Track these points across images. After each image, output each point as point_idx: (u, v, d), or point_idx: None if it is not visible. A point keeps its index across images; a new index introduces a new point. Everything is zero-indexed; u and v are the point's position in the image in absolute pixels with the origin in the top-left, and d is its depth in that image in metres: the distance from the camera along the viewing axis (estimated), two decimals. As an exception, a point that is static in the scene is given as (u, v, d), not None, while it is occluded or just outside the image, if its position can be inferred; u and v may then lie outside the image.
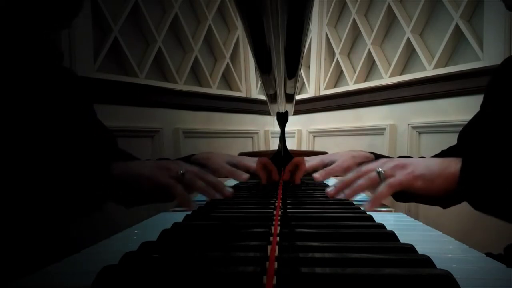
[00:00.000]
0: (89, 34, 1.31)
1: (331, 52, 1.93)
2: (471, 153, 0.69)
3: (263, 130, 2.05)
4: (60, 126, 0.63)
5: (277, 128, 0.82)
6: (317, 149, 1.92)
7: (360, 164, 0.69)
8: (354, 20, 1.76)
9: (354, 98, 1.71)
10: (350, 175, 0.64)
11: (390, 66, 1.59)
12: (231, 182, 0.99)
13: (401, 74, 1.58)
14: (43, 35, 0.68)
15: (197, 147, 1.67)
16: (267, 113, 0.88)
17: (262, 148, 2.02)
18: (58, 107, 0.65)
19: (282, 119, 0.79)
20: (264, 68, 0.46)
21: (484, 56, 1.24)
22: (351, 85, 1.78)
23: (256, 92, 2.04)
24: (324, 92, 1.92)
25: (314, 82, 1.96)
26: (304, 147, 1.99)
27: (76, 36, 1.25)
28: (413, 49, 1.51)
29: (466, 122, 0.78)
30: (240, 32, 1.94)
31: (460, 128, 0.79)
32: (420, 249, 0.34)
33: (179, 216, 0.51)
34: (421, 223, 0.50)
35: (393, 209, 0.62)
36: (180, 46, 1.74)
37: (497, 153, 0.60)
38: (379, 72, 1.65)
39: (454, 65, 1.37)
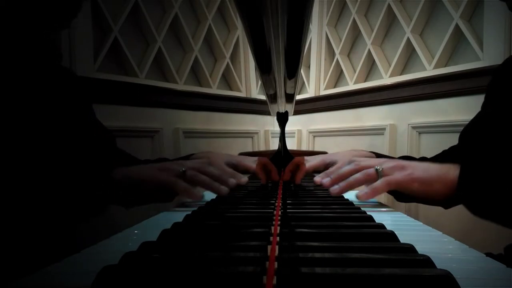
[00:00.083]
0: (89, 34, 1.31)
1: (331, 52, 1.93)
2: (469, 158, 0.69)
3: (263, 130, 2.05)
4: (59, 126, 0.63)
5: (277, 128, 0.82)
6: (317, 149, 1.92)
7: None
8: (354, 20, 1.76)
9: (354, 98, 1.71)
10: (347, 168, 0.64)
11: (390, 66, 1.59)
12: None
13: (401, 74, 1.58)
14: (42, 35, 0.68)
15: (197, 147, 1.67)
16: (267, 113, 0.88)
17: (262, 148, 2.02)
18: (56, 107, 0.64)
19: (282, 119, 0.80)
20: (264, 68, 0.46)
21: (484, 56, 1.24)
22: (351, 85, 1.78)
23: (256, 92, 2.04)
24: (324, 92, 1.92)
25: (314, 82, 1.96)
26: (304, 147, 1.99)
27: (76, 36, 1.25)
28: (413, 49, 1.51)
29: (466, 122, 0.78)
30: (240, 32, 1.94)
31: (460, 128, 0.79)
32: (420, 249, 0.34)
33: (179, 216, 0.51)
34: (421, 223, 0.50)
35: (393, 209, 0.62)
36: (180, 46, 1.74)
37: (497, 156, 0.60)
38: (379, 72, 1.65)
39: (454, 65, 1.37)
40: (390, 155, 0.90)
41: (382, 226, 0.44)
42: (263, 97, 1.92)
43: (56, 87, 0.68)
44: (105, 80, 1.35)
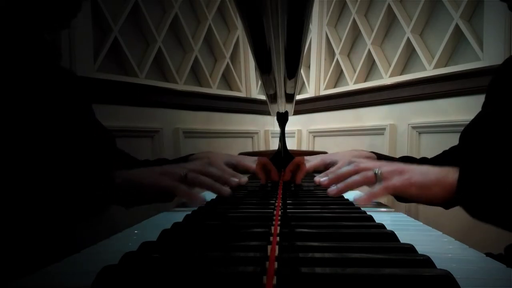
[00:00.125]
0: (89, 34, 1.31)
1: (331, 52, 1.93)
2: (468, 161, 0.69)
3: (263, 130, 2.05)
4: (58, 127, 0.63)
5: (277, 128, 0.82)
6: (317, 149, 1.92)
7: None
8: (354, 20, 1.76)
9: (354, 98, 1.71)
10: (346, 168, 0.64)
11: (390, 66, 1.59)
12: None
13: (401, 74, 1.58)
14: (41, 35, 0.68)
15: (197, 147, 1.67)
16: (267, 113, 0.88)
17: (262, 148, 2.02)
18: (56, 107, 0.64)
19: (282, 119, 0.79)
20: (264, 68, 0.46)
21: (484, 56, 1.24)
22: (351, 85, 1.78)
23: (256, 92, 2.04)
24: (324, 92, 1.92)
25: (314, 82, 1.96)
26: (304, 147, 1.99)
27: (76, 36, 1.25)
28: (413, 49, 1.51)
29: (466, 122, 0.78)
30: (240, 32, 1.94)
31: (460, 128, 0.79)
32: (420, 249, 0.34)
33: (179, 216, 0.51)
34: (421, 223, 0.50)
35: (393, 209, 0.62)
36: (180, 46, 1.74)
37: (496, 158, 0.60)
38: (379, 72, 1.65)
39: (454, 65, 1.37)
40: (390, 156, 0.90)
41: (382, 226, 0.44)
42: (263, 97, 1.92)
43: (55, 87, 0.67)
44: (105, 80, 1.35)
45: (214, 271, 0.29)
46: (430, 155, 0.87)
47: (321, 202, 0.64)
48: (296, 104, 0.75)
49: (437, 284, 0.27)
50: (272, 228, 0.42)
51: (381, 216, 0.53)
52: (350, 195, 0.68)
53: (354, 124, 1.73)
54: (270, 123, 2.05)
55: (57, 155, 0.59)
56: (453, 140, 0.81)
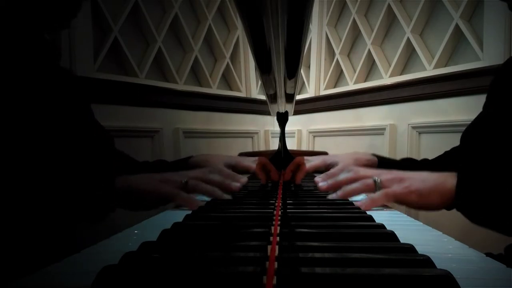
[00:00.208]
0: (89, 34, 1.31)
1: (331, 52, 1.93)
2: (467, 165, 0.69)
3: (263, 130, 2.05)
4: (56, 127, 0.63)
5: (277, 128, 0.82)
6: (317, 149, 1.92)
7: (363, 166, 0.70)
8: (354, 20, 1.76)
9: (354, 98, 1.71)
10: (345, 175, 0.65)
11: (390, 66, 1.59)
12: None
13: (401, 74, 1.58)
14: (41, 35, 0.68)
15: (197, 147, 1.67)
16: (267, 113, 0.88)
17: (262, 148, 2.02)
18: (54, 107, 0.64)
19: (282, 119, 0.79)
20: (264, 68, 0.46)
21: (484, 56, 1.24)
22: (351, 85, 1.78)
23: (256, 92, 2.04)
24: (324, 92, 1.92)
25: (314, 82, 1.96)
26: (304, 147, 1.99)
27: (76, 36, 1.25)
28: (413, 49, 1.51)
29: (466, 122, 0.78)
30: (240, 32, 1.94)
31: (460, 128, 0.79)
32: (420, 249, 0.34)
33: (179, 216, 0.51)
34: (421, 223, 0.50)
35: (393, 209, 0.62)
36: (180, 46, 1.74)
37: (495, 162, 0.60)
38: (379, 72, 1.65)
39: (454, 65, 1.37)
40: (391, 158, 0.90)
41: (382, 226, 0.44)
42: (263, 97, 1.92)
43: (53, 88, 0.67)
44: (105, 80, 1.35)
45: (214, 271, 0.29)
46: (430, 155, 0.87)
47: (321, 202, 0.64)
48: (296, 104, 0.75)
49: (437, 284, 0.27)
50: (272, 228, 0.42)
51: (381, 216, 0.53)
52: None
53: (354, 124, 1.73)
54: (270, 123, 2.05)
55: (56, 157, 0.59)
56: (453, 140, 0.81)
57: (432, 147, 1.38)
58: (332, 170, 0.73)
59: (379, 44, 1.69)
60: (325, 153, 1.81)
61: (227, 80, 1.97)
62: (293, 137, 2.03)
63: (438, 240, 0.42)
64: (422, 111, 1.43)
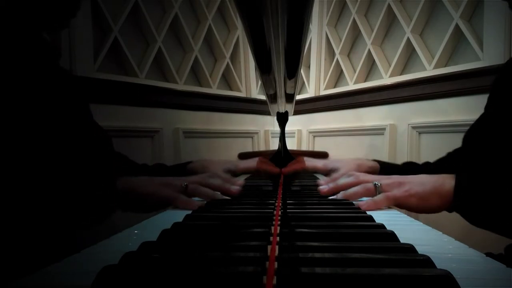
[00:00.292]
0: (89, 34, 1.31)
1: (331, 52, 1.93)
2: (465, 167, 0.70)
3: (263, 130, 2.05)
4: (55, 127, 0.63)
5: (277, 128, 0.82)
6: (317, 149, 1.92)
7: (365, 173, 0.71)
8: (354, 20, 1.76)
9: (354, 98, 1.71)
10: (346, 180, 0.66)
11: (390, 66, 1.59)
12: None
13: (401, 74, 1.58)
14: (40, 34, 0.68)
15: (197, 147, 1.67)
16: (267, 113, 0.88)
17: (262, 148, 2.02)
18: (52, 107, 0.64)
19: (282, 119, 0.80)
20: (264, 68, 0.46)
21: (484, 56, 1.24)
22: (351, 85, 1.78)
23: (256, 92, 2.04)
24: (324, 92, 1.92)
25: (314, 82, 1.96)
26: (304, 147, 1.99)
27: (76, 36, 1.25)
28: (413, 49, 1.51)
29: (466, 122, 0.78)
30: (240, 32, 1.94)
31: (460, 128, 0.79)
32: (420, 249, 0.34)
33: (179, 216, 0.51)
34: (421, 223, 0.50)
35: (393, 209, 0.62)
36: (180, 46, 1.74)
37: (493, 164, 0.61)
38: (379, 72, 1.65)
39: (454, 65, 1.37)
40: (393, 163, 0.90)
41: (382, 226, 0.44)
42: (263, 97, 1.92)
43: (52, 88, 0.67)
44: (105, 80, 1.35)
45: (214, 271, 0.29)
46: (430, 155, 0.87)
47: (321, 202, 0.64)
48: (296, 104, 0.75)
49: (437, 284, 0.27)
50: (272, 228, 0.42)
51: (381, 216, 0.53)
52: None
53: (354, 124, 1.73)
54: (270, 123, 2.05)
55: (55, 157, 0.59)
56: (453, 140, 0.81)
57: (432, 147, 1.38)
58: (334, 175, 0.74)
59: (379, 44, 1.69)
60: (325, 153, 1.82)
61: (227, 80, 1.97)
62: (293, 137, 2.03)
63: (438, 240, 0.42)
64: (422, 111, 1.43)
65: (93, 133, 0.78)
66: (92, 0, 1.32)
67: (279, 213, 0.50)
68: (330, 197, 0.66)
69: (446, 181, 0.57)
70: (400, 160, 1.46)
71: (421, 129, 1.43)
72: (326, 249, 0.35)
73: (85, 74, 1.27)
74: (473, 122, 0.77)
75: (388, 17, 1.61)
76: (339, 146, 1.80)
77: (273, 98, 0.65)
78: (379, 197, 0.60)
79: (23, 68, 0.62)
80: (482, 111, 0.77)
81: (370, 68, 1.75)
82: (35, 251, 0.50)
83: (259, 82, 1.98)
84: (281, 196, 0.64)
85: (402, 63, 1.58)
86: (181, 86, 1.67)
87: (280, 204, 0.57)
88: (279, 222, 0.45)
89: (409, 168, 0.85)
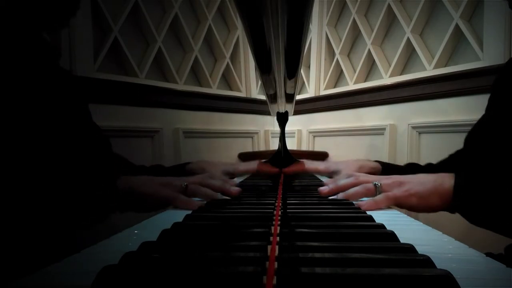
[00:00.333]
0: (89, 34, 1.31)
1: (331, 52, 1.93)
2: (463, 167, 0.70)
3: (263, 130, 2.05)
4: (54, 127, 0.63)
5: (277, 128, 0.82)
6: (317, 149, 1.92)
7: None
8: (354, 20, 1.76)
9: (354, 98, 1.71)
10: (346, 181, 0.66)
11: (390, 66, 1.59)
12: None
13: (401, 74, 1.58)
14: (39, 34, 0.68)
15: (197, 147, 1.67)
16: (267, 113, 0.88)
17: (262, 148, 2.02)
18: (51, 107, 0.64)
19: (282, 119, 0.80)
20: (264, 68, 0.46)
21: (484, 56, 1.24)
22: (351, 85, 1.78)
23: (256, 92, 2.04)
24: (324, 92, 1.92)
25: (314, 82, 1.96)
26: (304, 147, 1.99)
27: (76, 36, 1.25)
28: (413, 49, 1.51)
29: (466, 122, 0.78)
30: (240, 32, 1.94)
31: (461, 128, 0.79)
32: (420, 249, 0.34)
33: (179, 216, 0.51)
34: (421, 223, 0.50)
35: (393, 209, 0.62)
36: (180, 46, 1.74)
37: (494, 163, 0.61)
38: (379, 72, 1.65)
39: (454, 65, 1.37)
40: (395, 164, 0.90)
41: (382, 226, 0.44)
42: (263, 97, 1.92)
43: (51, 88, 0.67)
44: (105, 80, 1.35)
45: (214, 271, 0.29)
46: (430, 155, 0.87)
47: (321, 202, 0.64)
48: (296, 104, 0.75)
49: (437, 284, 0.27)
50: (272, 228, 0.42)
51: (381, 216, 0.53)
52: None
53: (354, 124, 1.73)
54: (270, 123, 2.05)
55: (55, 157, 0.59)
56: (453, 140, 0.81)
57: (432, 147, 1.38)
58: (336, 177, 0.74)
59: (379, 44, 1.69)
60: (325, 153, 1.82)
61: (227, 80, 1.97)
62: (293, 137, 2.03)
63: (438, 240, 0.42)
64: (422, 111, 1.43)
65: (92, 134, 0.78)
66: (92, 0, 1.32)
67: (279, 213, 0.50)
68: (330, 197, 0.66)
69: (445, 180, 0.57)
70: (400, 160, 1.46)
71: (421, 129, 1.43)
72: (326, 249, 0.35)
73: (85, 74, 1.27)
74: (473, 122, 0.77)
75: (388, 17, 1.61)
76: (339, 146, 1.80)
77: (273, 98, 0.65)
78: (379, 197, 0.60)
79: (23, 68, 0.62)
80: (482, 111, 0.77)
81: (370, 68, 1.75)
82: (35, 251, 0.50)
83: (259, 82, 1.98)
84: (281, 196, 0.64)
85: (402, 63, 1.58)
86: (181, 86, 1.67)
87: (280, 204, 0.57)
88: (279, 222, 0.45)
89: (412, 169, 0.85)
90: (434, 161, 0.87)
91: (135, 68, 1.49)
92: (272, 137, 2.06)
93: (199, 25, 1.80)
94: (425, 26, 1.50)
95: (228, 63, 1.91)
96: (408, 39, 1.50)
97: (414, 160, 1.25)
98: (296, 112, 1.92)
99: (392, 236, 0.39)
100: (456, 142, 0.81)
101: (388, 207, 0.62)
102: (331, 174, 0.84)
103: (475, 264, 0.34)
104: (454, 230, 0.56)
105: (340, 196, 0.65)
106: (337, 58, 1.86)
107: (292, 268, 0.29)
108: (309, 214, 0.53)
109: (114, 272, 0.28)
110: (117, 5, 1.43)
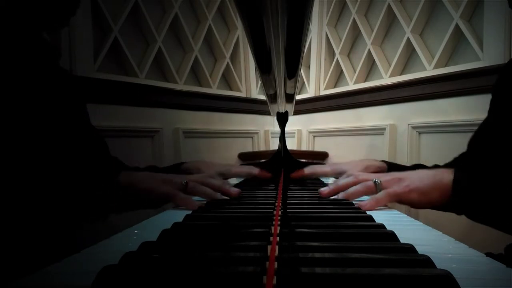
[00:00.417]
0: (89, 34, 1.31)
1: (331, 52, 1.93)
2: (463, 163, 0.70)
3: (263, 130, 2.05)
4: (53, 127, 0.63)
5: (277, 128, 0.82)
6: (317, 149, 1.92)
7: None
8: (354, 20, 1.76)
9: (354, 98, 1.71)
10: (346, 180, 0.66)
11: (390, 66, 1.59)
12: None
13: (401, 74, 1.58)
14: (39, 34, 0.68)
15: (197, 147, 1.67)
16: (267, 113, 0.88)
17: (262, 148, 2.02)
18: (50, 107, 0.64)
19: (282, 119, 0.80)
20: (264, 68, 0.46)
21: (484, 56, 1.24)
22: (351, 85, 1.78)
23: (256, 92, 2.04)
24: (324, 92, 1.92)
25: (314, 82, 1.96)
26: (304, 147, 1.99)
27: (76, 36, 1.25)
28: (413, 49, 1.51)
29: (466, 122, 0.78)
30: (240, 32, 1.94)
31: (460, 128, 0.79)
32: (420, 249, 0.34)
33: (179, 216, 0.51)
34: (421, 223, 0.51)
35: (393, 209, 0.62)
36: (180, 46, 1.74)
37: (492, 159, 0.61)
38: (379, 72, 1.65)
39: (454, 65, 1.37)
40: (401, 164, 0.90)
41: (382, 226, 0.44)
42: (263, 97, 1.92)
43: (50, 88, 0.67)
44: (105, 80, 1.35)
45: (214, 271, 0.29)
46: (430, 155, 0.87)
47: (321, 202, 0.64)
48: (296, 104, 0.75)
49: (437, 284, 0.27)
50: (272, 228, 0.42)
51: (381, 216, 0.53)
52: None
53: (354, 124, 1.73)
54: (270, 123, 2.05)
55: (54, 157, 0.59)
56: (453, 140, 0.81)
57: (432, 147, 1.37)
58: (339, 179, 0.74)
59: (379, 44, 1.69)
60: (325, 153, 1.82)
61: (227, 80, 1.97)
62: (293, 137, 2.03)
63: (438, 240, 0.42)
64: (422, 111, 1.43)
65: (89, 134, 0.78)
66: (92, 0, 1.32)
67: (279, 213, 0.50)
68: (331, 197, 0.66)
69: (445, 175, 0.58)
70: (400, 160, 1.46)
71: (421, 129, 1.43)
72: (326, 249, 0.35)
73: (85, 74, 1.27)
74: (473, 122, 0.77)
75: (388, 17, 1.61)
76: (339, 146, 1.79)
77: (273, 98, 0.65)
78: (380, 194, 0.60)
79: (23, 68, 0.62)
80: (482, 111, 0.76)
81: (370, 68, 1.75)
82: (35, 251, 0.50)
83: (259, 82, 1.98)
84: (281, 196, 0.64)
85: (402, 63, 1.58)
86: (181, 86, 1.67)
87: (280, 204, 0.57)
88: (279, 222, 0.45)
89: (416, 169, 0.85)
90: (434, 161, 0.86)
91: (135, 68, 1.49)
92: (272, 137, 2.06)
93: (199, 25, 1.80)
94: (425, 26, 1.50)
95: (228, 63, 1.91)
96: (408, 39, 1.50)
97: (414, 160, 1.25)
98: (296, 112, 1.92)
99: (392, 236, 0.39)
100: (456, 142, 0.81)
101: (389, 208, 0.62)
102: (337, 176, 0.84)
103: (475, 264, 0.34)
104: (454, 230, 0.56)
105: (340, 196, 0.65)
106: (337, 58, 1.86)
107: (292, 268, 0.29)
108: (309, 214, 0.53)
109: (114, 272, 0.28)
110: (117, 5, 1.43)
